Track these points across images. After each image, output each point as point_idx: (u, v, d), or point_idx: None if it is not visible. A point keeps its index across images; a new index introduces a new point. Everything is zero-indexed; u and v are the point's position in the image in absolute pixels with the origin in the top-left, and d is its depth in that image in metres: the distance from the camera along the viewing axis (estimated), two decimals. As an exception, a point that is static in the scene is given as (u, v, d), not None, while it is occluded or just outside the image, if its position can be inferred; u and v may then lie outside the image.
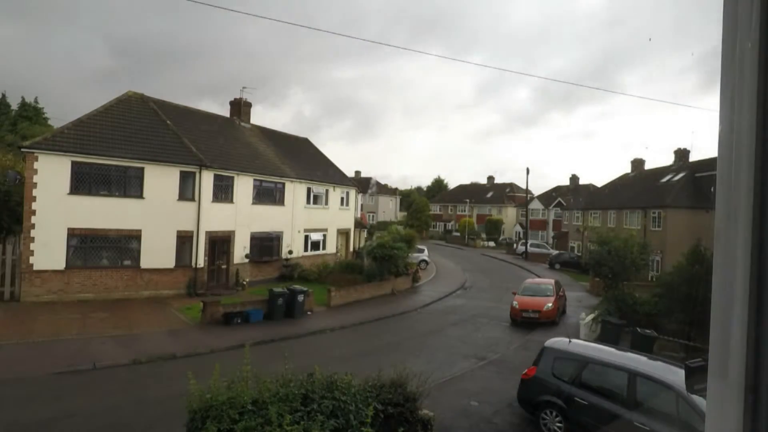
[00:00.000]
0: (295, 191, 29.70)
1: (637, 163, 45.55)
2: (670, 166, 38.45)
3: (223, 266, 24.78)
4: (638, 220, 34.40)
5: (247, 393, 6.72)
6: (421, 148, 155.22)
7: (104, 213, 20.69)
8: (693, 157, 37.24)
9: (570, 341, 11.48)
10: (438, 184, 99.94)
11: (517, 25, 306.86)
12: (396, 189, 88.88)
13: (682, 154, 38.07)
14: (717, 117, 1.07)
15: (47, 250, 19.44)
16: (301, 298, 19.65)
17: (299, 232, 29.98)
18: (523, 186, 56.26)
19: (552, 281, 23.33)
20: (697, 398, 7.75)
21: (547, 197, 64.73)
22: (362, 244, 36.44)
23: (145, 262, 21.75)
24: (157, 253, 21.94)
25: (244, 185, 25.95)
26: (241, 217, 25.58)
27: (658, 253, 29.55)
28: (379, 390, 7.97)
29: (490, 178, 79.11)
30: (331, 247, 33.39)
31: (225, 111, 30.96)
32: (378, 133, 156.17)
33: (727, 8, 1.05)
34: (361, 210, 60.11)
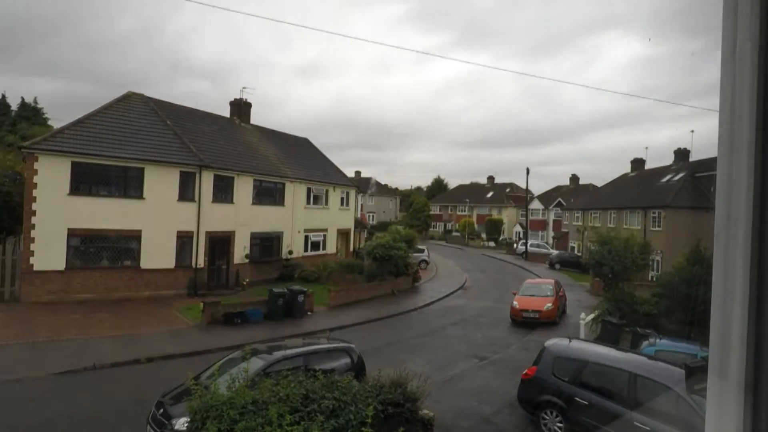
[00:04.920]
0: (295, 191, 29.71)
1: (637, 163, 45.56)
2: (670, 166, 38.45)
3: (223, 266, 24.78)
4: (638, 220, 34.39)
5: (248, 393, 6.73)
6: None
7: (104, 213, 20.69)
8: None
9: (570, 341, 11.49)
10: (438, 184, 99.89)
11: (517, 29, 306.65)
12: (396, 189, 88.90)
13: (682, 154, 38.07)
14: (717, 117, 1.07)
15: (47, 251, 19.44)
16: (301, 298, 19.65)
17: (299, 232, 29.98)
18: (523, 186, 56.28)
19: (552, 281, 23.33)
20: (696, 398, 7.75)
21: (547, 197, 64.72)
22: (362, 244, 36.44)
23: (146, 262, 21.75)
24: (158, 253, 21.94)
25: (244, 185, 25.95)
26: (241, 217, 25.58)
27: (658, 253, 29.54)
28: (380, 390, 7.97)
29: (490, 178, 79.02)
30: (331, 248, 33.39)
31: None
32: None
33: (727, 8, 1.05)
34: (361, 210, 60.12)
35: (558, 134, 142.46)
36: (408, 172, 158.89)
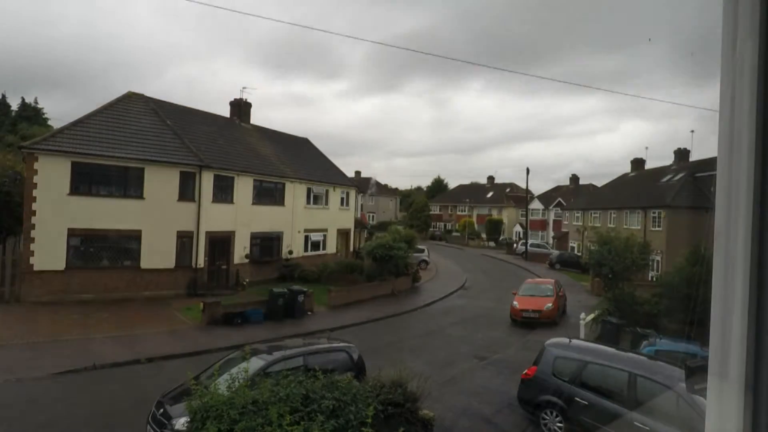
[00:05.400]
0: (295, 191, 29.71)
1: (637, 163, 45.56)
2: (670, 166, 38.46)
3: (223, 266, 24.78)
4: (638, 220, 34.40)
5: (248, 393, 6.73)
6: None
7: (104, 213, 20.69)
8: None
9: (570, 341, 11.50)
10: (438, 184, 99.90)
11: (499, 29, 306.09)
12: (396, 189, 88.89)
13: (682, 154, 38.08)
14: (717, 117, 1.07)
15: (47, 251, 19.45)
16: (301, 298, 19.65)
17: (299, 232, 29.98)
18: (523, 186, 56.30)
19: (552, 281, 23.33)
20: (697, 398, 7.75)
21: (547, 197, 64.72)
22: (362, 244, 36.43)
23: (146, 262, 21.75)
24: (158, 253, 21.94)
25: (244, 185, 25.95)
26: (241, 217, 25.58)
27: (658, 253, 29.54)
28: (380, 390, 7.97)
29: (490, 178, 79.02)
30: (331, 247, 33.39)
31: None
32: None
33: (727, 8, 1.05)
34: (361, 210, 60.11)
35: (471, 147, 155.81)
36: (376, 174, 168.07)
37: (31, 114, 53.55)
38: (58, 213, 19.60)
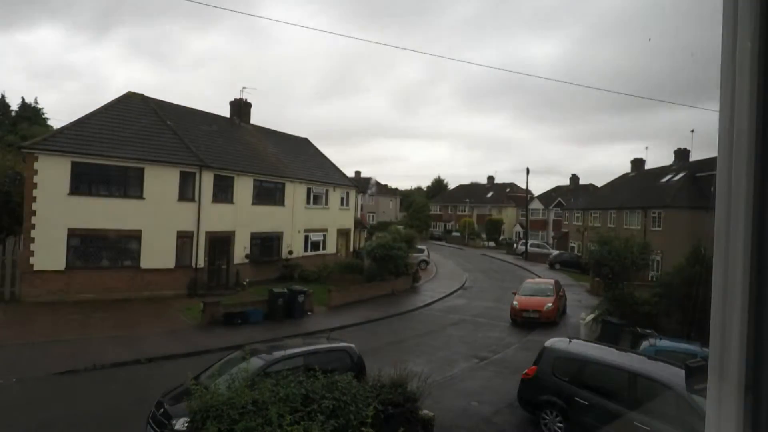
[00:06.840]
0: (295, 191, 29.71)
1: (637, 163, 45.56)
2: (670, 166, 38.45)
3: (223, 266, 24.78)
4: (638, 220, 34.39)
5: (248, 393, 6.73)
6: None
7: (104, 213, 20.68)
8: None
9: (570, 341, 11.50)
10: (438, 184, 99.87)
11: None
12: (396, 189, 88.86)
13: (682, 154, 38.07)
14: (717, 117, 1.07)
15: (47, 251, 19.44)
16: (301, 298, 19.65)
17: (299, 232, 29.98)
18: (523, 186, 56.31)
19: (552, 281, 23.32)
20: (696, 398, 7.75)
21: (547, 197, 64.73)
22: (362, 244, 36.42)
23: (146, 262, 21.74)
24: (158, 253, 21.93)
25: (244, 185, 25.95)
26: (241, 217, 25.58)
27: (658, 253, 29.54)
28: (380, 390, 7.98)
29: (490, 178, 79.01)
30: (331, 248, 33.39)
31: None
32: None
33: (727, 8, 1.05)
34: (361, 210, 60.07)
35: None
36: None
37: (31, 114, 53.46)
38: (58, 213, 19.59)
